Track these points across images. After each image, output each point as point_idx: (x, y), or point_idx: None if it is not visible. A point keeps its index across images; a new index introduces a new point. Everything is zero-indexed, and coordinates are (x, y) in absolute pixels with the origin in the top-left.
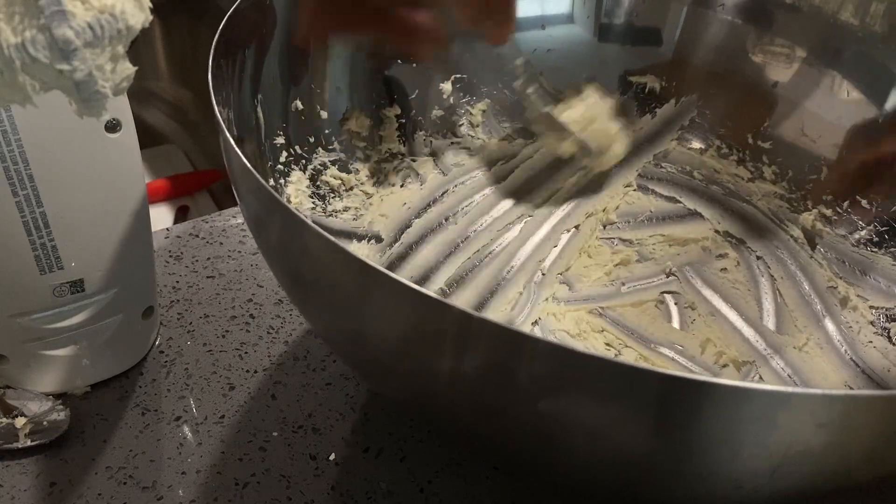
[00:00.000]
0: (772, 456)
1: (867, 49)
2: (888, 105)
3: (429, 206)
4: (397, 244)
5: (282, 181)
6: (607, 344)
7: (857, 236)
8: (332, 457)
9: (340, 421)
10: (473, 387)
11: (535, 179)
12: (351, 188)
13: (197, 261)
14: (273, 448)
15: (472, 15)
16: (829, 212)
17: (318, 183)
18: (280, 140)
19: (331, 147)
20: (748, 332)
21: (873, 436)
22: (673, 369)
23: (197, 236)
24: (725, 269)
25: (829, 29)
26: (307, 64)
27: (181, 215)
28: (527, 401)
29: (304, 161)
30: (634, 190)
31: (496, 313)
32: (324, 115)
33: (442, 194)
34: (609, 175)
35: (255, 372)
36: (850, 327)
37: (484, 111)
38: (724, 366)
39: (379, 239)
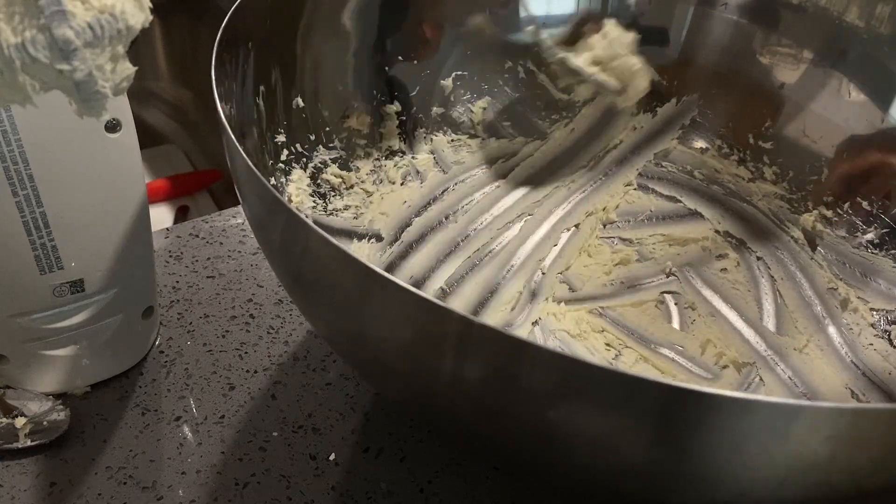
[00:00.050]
0: (778, 467)
1: (872, 51)
2: (893, 108)
3: (429, 204)
4: (398, 243)
5: (283, 180)
6: (607, 344)
7: (857, 238)
8: (332, 457)
9: (340, 421)
10: (473, 391)
11: (536, 177)
12: (351, 186)
13: (197, 261)
14: (273, 448)
15: None
16: (829, 213)
17: (319, 181)
18: (281, 138)
19: (331, 145)
20: (748, 333)
21: (882, 447)
22: (674, 371)
23: (197, 236)
24: (725, 269)
25: (834, 30)
26: (309, 61)
27: (181, 215)
28: (527, 406)
29: (304, 159)
30: (635, 189)
31: (496, 313)
32: (325, 112)
33: (442, 192)
34: (609, 173)
35: (255, 372)
36: (851, 329)
37: (485, 108)
38: (725, 367)
39: (379, 238)
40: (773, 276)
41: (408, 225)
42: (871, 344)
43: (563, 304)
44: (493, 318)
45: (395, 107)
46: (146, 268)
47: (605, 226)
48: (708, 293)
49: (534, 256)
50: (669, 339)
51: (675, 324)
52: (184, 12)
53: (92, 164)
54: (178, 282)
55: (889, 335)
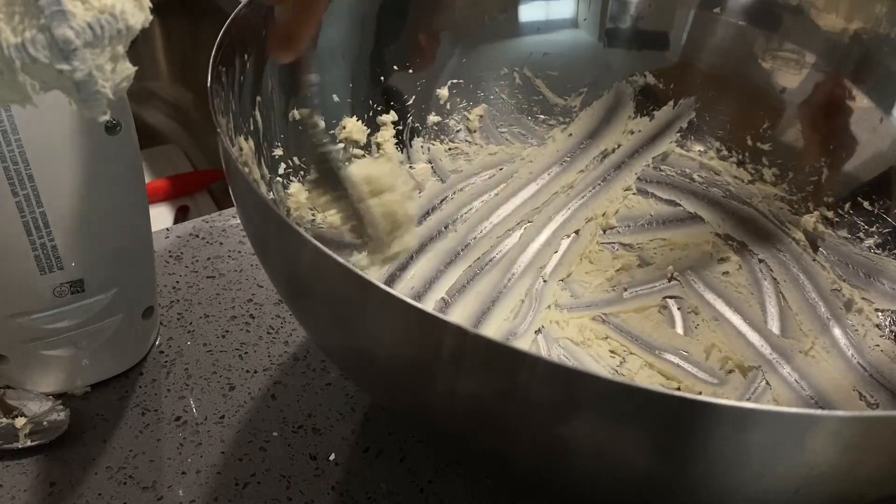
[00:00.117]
0: (795, 477)
1: (874, 53)
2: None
3: (428, 213)
4: None
5: (282, 193)
6: (612, 351)
7: (860, 238)
8: (332, 457)
9: (340, 421)
10: (470, 402)
11: (534, 184)
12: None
13: (197, 261)
14: (273, 448)
15: None
16: (830, 214)
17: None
18: (279, 151)
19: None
20: (753, 336)
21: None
22: (679, 376)
23: (197, 236)
24: (727, 272)
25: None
26: (305, 73)
27: (181, 215)
28: (525, 418)
29: (302, 172)
30: (634, 194)
31: (499, 322)
32: (321, 123)
33: (441, 201)
34: (608, 178)
35: (255, 372)
36: (856, 330)
37: (481, 116)
38: (730, 371)
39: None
40: (775, 279)
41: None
42: (878, 345)
43: (565, 311)
44: (495, 327)
45: (392, 116)
46: (146, 268)
47: (605, 231)
48: (710, 297)
49: (535, 264)
50: (674, 344)
51: (679, 329)
52: (184, 12)
53: (92, 164)
54: (178, 282)
55: (895, 336)
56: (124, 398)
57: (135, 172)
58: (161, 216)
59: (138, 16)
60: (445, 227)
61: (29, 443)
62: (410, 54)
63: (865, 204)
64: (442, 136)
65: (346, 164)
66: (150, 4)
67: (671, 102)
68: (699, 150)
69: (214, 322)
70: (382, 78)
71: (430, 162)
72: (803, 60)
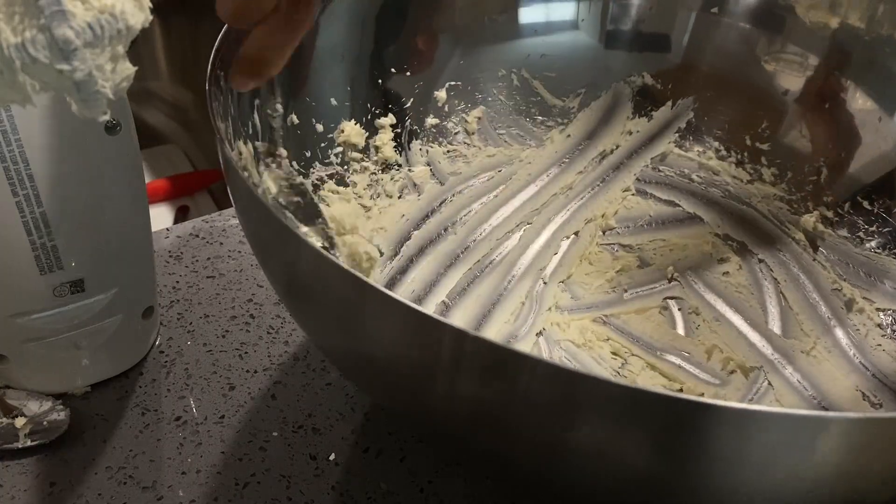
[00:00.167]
0: (799, 479)
1: (876, 55)
2: None
3: (427, 216)
4: (398, 257)
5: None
6: (613, 353)
7: (860, 238)
8: (332, 457)
9: (340, 421)
10: (470, 404)
11: (533, 185)
12: (349, 201)
13: (197, 261)
14: (273, 448)
15: None
16: (830, 213)
17: (317, 198)
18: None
19: (327, 161)
20: (754, 336)
21: None
22: (681, 377)
23: (197, 236)
24: (727, 273)
25: (838, 34)
26: (304, 76)
27: (181, 215)
28: (525, 419)
29: (301, 176)
30: (633, 194)
31: (499, 325)
32: (319, 128)
33: (440, 204)
34: (607, 179)
35: (255, 372)
36: (858, 330)
37: (479, 118)
38: (732, 372)
39: (379, 252)
40: (775, 279)
41: (407, 239)
42: (880, 345)
43: (566, 313)
44: (496, 330)
45: (390, 119)
46: (146, 268)
47: (604, 232)
48: (711, 297)
49: (534, 266)
50: (675, 345)
51: (680, 329)
52: (184, 12)
53: (92, 164)
54: (178, 282)
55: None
56: (124, 398)
57: (135, 172)
58: (161, 216)
59: (138, 16)
60: (445, 230)
61: (29, 443)
62: (409, 56)
63: (865, 204)
64: (440, 139)
65: (317, 199)
66: (150, 4)
67: (669, 103)
68: (698, 151)
69: (214, 322)
70: (380, 81)
71: (428, 164)
72: (806, 63)
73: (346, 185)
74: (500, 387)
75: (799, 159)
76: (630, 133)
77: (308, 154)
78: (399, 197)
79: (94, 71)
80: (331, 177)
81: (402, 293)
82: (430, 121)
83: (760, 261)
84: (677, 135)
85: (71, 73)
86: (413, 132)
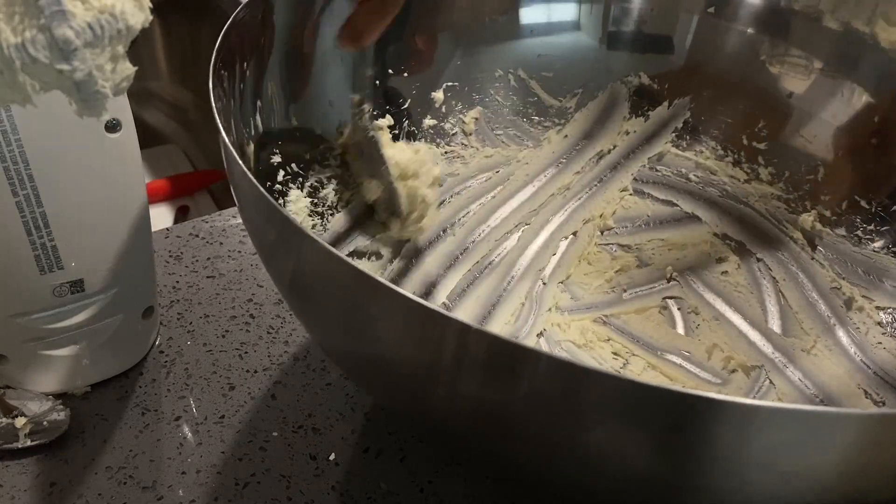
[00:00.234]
0: (808, 477)
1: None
2: None
3: None
4: (397, 259)
5: (281, 201)
6: (614, 353)
7: (858, 237)
8: (332, 457)
9: (340, 421)
10: (473, 399)
11: (531, 185)
12: (348, 203)
13: (197, 261)
14: (273, 448)
15: None
16: (827, 212)
17: (316, 200)
18: (277, 158)
19: (326, 163)
20: (754, 335)
21: None
22: (682, 377)
23: (197, 236)
24: (726, 272)
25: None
26: (302, 78)
27: (181, 215)
28: (529, 415)
29: (301, 179)
30: (630, 194)
31: (500, 326)
32: (317, 130)
33: (438, 205)
34: (604, 179)
35: (255, 372)
36: (858, 328)
37: (476, 119)
38: (733, 371)
39: (379, 255)
40: (774, 278)
41: (406, 240)
42: (880, 342)
43: (566, 313)
44: (497, 330)
45: (388, 121)
46: (146, 268)
47: (602, 232)
48: (710, 297)
49: (534, 266)
50: (675, 345)
51: (680, 329)
52: (184, 12)
53: (92, 164)
54: (178, 282)
55: None
56: (124, 398)
57: (135, 172)
58: (161, 216)
59: (138, 16)
60: (444, 231)
61: (29, 443)
62: (408, 57)
63: (863, 203)
64: (438, 140)
65: (382, 146)
66: (150, 4)
67: (666, 103)
68: (695, 150)
69: (214, 322)
70: (378, 81)
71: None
72: (811, 66)
73: (346, 187)
74: (505, 382)
75: (796, 159)
76: (627, 133)
77: (307, 156)
78: None
79: (94, 71)
80: (330, 179)
81: None
82: (428, 122)
83: (759, 260)
84: (674, 135)
85: (71, 73)
86: (410, 133)
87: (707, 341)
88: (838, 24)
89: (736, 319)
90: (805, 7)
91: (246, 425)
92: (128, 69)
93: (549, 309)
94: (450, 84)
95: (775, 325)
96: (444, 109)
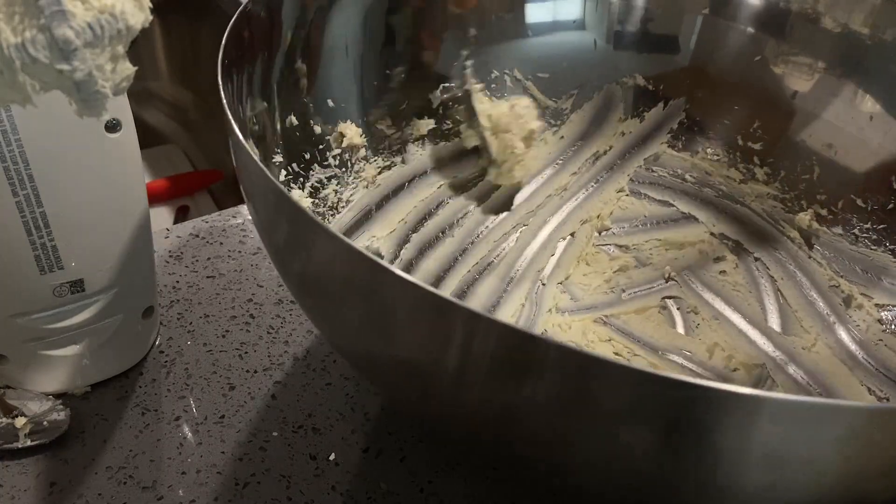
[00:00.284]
0: (825, 474)
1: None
2: None
3: (425, 219)
4: (397, 261)
5: None
6: (616, 353)
7: (854, 235)
8: (332, 457)
9: (340, 421)
10: (481, 388)
11: (528, 186)
12: (347, 203)
13: (197, 261)
14: (273, 448)
15: None
16: (824, 211)
17: (317, 200)
18: (278, 158)
19: (325, 163)
20: (754, 334)
21: None
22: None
23: (197, 236)
24: (724, 271)
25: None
26: (301, 77)
27: (181, 215)
28: (537, 404)
29: (302, 179)
30: (627, 195)
31: None
32: (317, 129)
33: (437, 206)
34: (601, 180)
35: (255, 372)
36: (858, 326)
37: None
38: (735, 370)
39: (379, 256)
40: (772, 277)
41: (406, 242)
42: (881, 340)
43: (566, 314)
44: None
45: (387, 121)
46: (146, 268)
47: (600, 233)
48: (709, 296)
49: (532, 267)
50: (676, 344)
51: (680, 329)
52: (184, 12)
53: (92, 164)
54: (178, 282)
55: None
56: (124, 398)
57: (135, 172)
58: (161, 216)
59: (138, 16)
60: (443, 233)
61: (29, 443)
62: (409, 58)
63: (859, 201)
64: (436, 140)
65: (479, 91)
66: (150, 4)
67: (661, 104)
68: (691, 151)
69: (214, 322)
70: (376, 83)
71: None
72: (815, 66)
73: (346, 187)
74: (514, 372)
75: (792, 158)
76: (623, 134)
77: (307, 156)
78: (395, 197)
79: (94, 71)
80: (330, 179)
81: None
82: (426, 122)
83: (756, 259)
84: (670, 135)
85: (71, 73)
86: (409, 134)
87: (708, 340)
88: (836, 24)
89: (735, 319)
90: (802, 7)
91: (246, 425)
92: (128, 69)
93: (549, 310)
94: (446, 85)
95: (775, 323)
96: (441, 110)
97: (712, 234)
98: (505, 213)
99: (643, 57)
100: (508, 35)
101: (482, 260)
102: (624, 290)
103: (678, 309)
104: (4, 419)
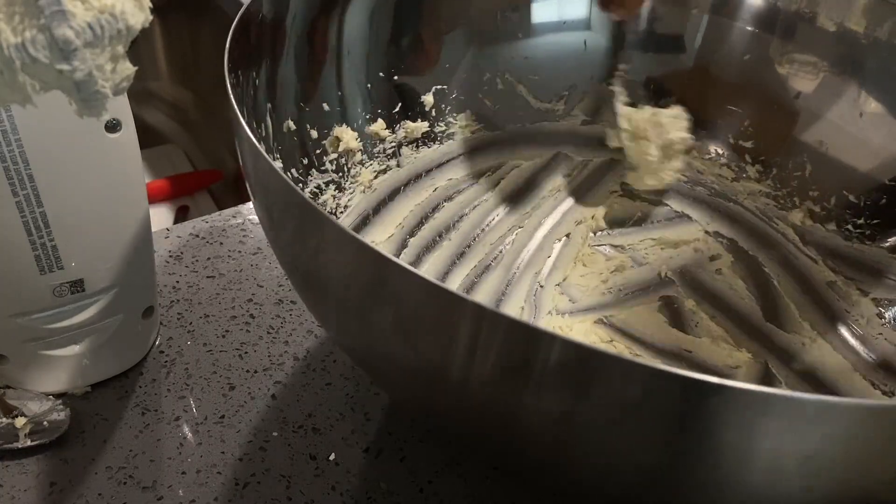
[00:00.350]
0: (829, 473)
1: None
2: None
3: (421, 222)
4: None
5: None
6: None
7: (848, 231)
8: (332, 457)
9: (340, 421)
10: (487, 384)
11: (523, 188)
12: (346, 208)
13: (197, 261)
14: (273, 448)
15: None
16: (817, 208)
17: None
18: (278, 164)
19: (323, 168)
20: (754, 332)
21: None
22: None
23: (197, 236)
24: (720, 270)
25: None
26: (298, 82)
27: (181, 215)
28: (542, 400)
29: (301, 185)
30: (620, 195)
31: None
32: (314, 134)
33: (433, 210)
34: (594, 180)
35: (255, 372)
36: (857, 321)
37: (466, 123)
38: (737, 367)
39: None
40: (769, 274)
41: (404, 246)
42: (881, 334)
43: (566, 316)
44: None
45: (381, 125)
46: (146, 268)
47: (595, 234)
48: (707, 295)
49: (530, 269)
50: (677, 343)
51: (680, 328)
52: (184, 12)
53: (92, 164)
54: (178, 282)
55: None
56: (124, 398)
57: (135, 172)
58: (161, 216)
59: (138, 16)
60: (440, 236)
61: (29, 443)
62: (407, 59)
63: (851, 197)
64: (430, 143)
65: (622, 95)
66: (150, 4)
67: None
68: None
69: (214, 322)
70: (369, 86)
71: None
72: (821, 64)
73: (343, 192)
74: (518, 365)
75: (783, 155)
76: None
77: (305, 161)
78: (391, 201)
79: (94, 71)
80: (328, 184)
81: None
82: (419, 126)
83: (752, 257)
84: None
85: (71, 73)
86: (402, 138)
87: (708, 338)
88: (832, 23)
89: (734, 316)
90: (800, 7)
91: (246, 425)
92: (128, 69)
93: (549, 312)
94: (438, 87)
95: (774, 321)
96: (434, 113)
97: (707, 232)
98: (502, 214)
99: (640, 56)
100: (493, 38)
101: (480, 263)
102: (621, 291)
103: (676, 308)
104: (4, 419)
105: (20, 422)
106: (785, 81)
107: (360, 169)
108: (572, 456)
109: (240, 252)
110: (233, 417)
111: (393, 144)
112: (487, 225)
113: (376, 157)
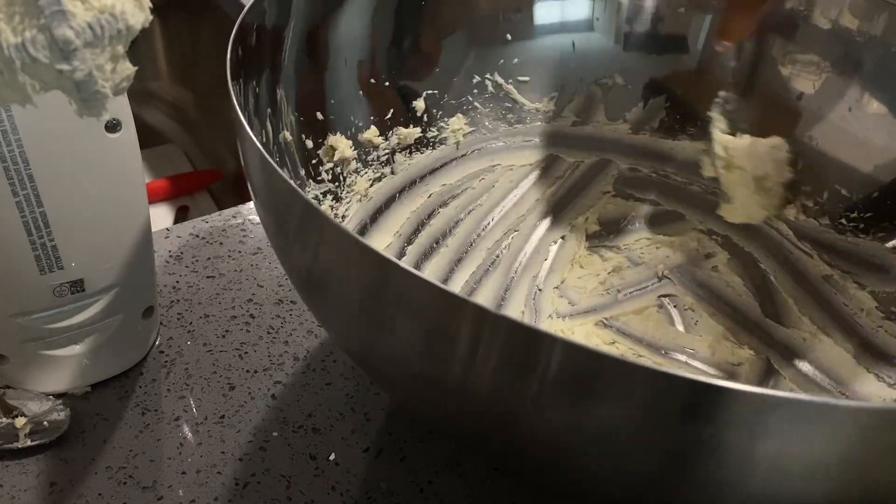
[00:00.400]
0: (833, 476)
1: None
2: None
3: (418, 230)
4: None
5: None
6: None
7: (842, 224)
8: (332, 457)
9: (340, 421)
10: (488, 386)
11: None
12: (344, 218)
13: (197, 261)
14: (273, 448)
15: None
16: (810, 203)
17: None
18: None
19: (319, 178)
20: (754, 328)
21: None
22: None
23: (197, 236)
24: (716, 267)
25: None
26: (291, 91)
27: (181, 215)
28: (543, 403)
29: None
30: (613, 195)
31: None
32: (309, 143)
33: (428, 216)
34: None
35: (255, 372)
36: (855, 314)
37: (458, 127)
38: (739, 364)
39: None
40: (764, 269)
41: (402, 255)
42: (880, 326)
43: (567, 319)
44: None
45: (374, 131)
46: (146, 268)
47: (590, 235)
48: (704, 293)
49: (527, 273)
50: (678, 342)
51: (680, 326)
52: (184, 12)
53: (92, 164)
54: (178, 282)
55: (895, 316)
56: (124, 398)
57: (135, 172)
58: (161, 216)
59: (138, 16)
60: (437, 243)
61: (29, 443)
62: (408, 63)
63: (843, 191)
64: (423, 149)
65: (722, 122)
66: (150, 4)
67: (641, 103)
68: (672, 148)
69: (214, 322)
70: (361, 92)
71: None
72: (823, 64)
73: (339, 201)
74: (520, 367)
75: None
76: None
77: (302, 172)
78: (387, 209)
79: (95, 71)
80: (324, 195)
81: None
82: (412, 131)
83: (747, 253)
84: (651, 134)
85: (71, 73)
86: (395, 145)
87: (708, 337)
88: (826, 21)
89: (733, 313)
90: (796, 5)
91: (246, 425)
92: (128, 69)
93: (549, 315)
94: (430, 92)
95: (773, 316)
96: (426, 118)
97: (701, 230)
98: (497, 218)
99: (662, 57)
100: (482, 41)
101: (479, 268)
102: (619, 291)
103: (675, 307)
104: (4, 419)
105: (20, 422)
106: (784, 79)
107: (356, 178)
108: (573, 457)
109: (240, 252)
110: (233, 417)
111: (387, 151)
112: (483, 230)
113: (370, 165)
